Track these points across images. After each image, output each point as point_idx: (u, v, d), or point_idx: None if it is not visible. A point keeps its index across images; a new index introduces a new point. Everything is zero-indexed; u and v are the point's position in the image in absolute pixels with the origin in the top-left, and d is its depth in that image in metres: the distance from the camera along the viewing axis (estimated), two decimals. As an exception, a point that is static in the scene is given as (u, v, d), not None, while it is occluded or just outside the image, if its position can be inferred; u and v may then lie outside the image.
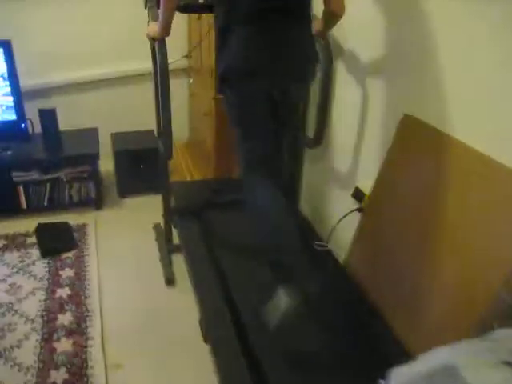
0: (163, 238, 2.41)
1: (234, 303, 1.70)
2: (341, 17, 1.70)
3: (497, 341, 0.90)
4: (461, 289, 1.40)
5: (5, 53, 2.47)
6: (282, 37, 1.53)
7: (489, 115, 1.37)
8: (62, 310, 2.03)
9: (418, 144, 1.68)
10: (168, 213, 2.28)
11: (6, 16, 2.72)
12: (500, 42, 1.30)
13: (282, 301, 1.43)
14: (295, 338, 1.52)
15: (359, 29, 1.93)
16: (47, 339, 1.88)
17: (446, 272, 1.47)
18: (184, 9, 1.94)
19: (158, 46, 1.71)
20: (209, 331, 1.63)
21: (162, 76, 1.70)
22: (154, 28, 1.76)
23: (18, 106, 2.60)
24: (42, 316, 1.99)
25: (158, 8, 1.71)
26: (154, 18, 1.81)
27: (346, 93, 2.10)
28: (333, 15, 1.72)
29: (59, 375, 1.72)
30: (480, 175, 1.40)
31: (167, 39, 1.77)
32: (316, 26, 1.80)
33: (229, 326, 1.59)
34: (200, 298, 1.75)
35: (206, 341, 1.70)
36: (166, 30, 1.72)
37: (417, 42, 1.62)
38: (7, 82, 2.54)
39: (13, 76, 2.52)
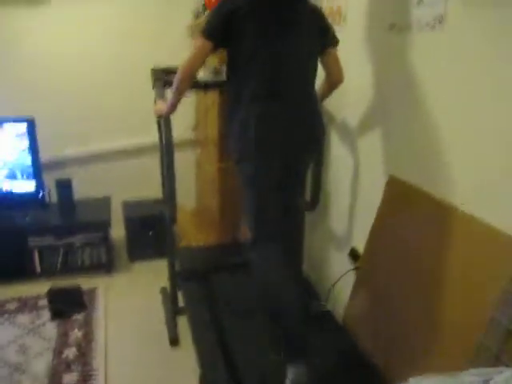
0: (169, 300, 2.50)
1: (233, 362, 1.76)
2: (341, 84, 1.93)
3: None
4: (454, 330, 1.47)
5: (28, 129, 2.70)
6: (293, 116, 1.69)
7: (468, 173, 1.49)
8: (68, 369, 2.09)
9: (402, 203, 1.80)
10: (173, 276, 2.38)
11: (29, 96, 3.01)
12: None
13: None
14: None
15: (349, 100, 2.13)
16: (53, 399, 1.94)
17: (439, 317, 1.54)
18: (193, 85, 2.15)
19: (164, 121, 1.89)
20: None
21: (166, 149, 1.88)
22: (162, 107, 1.92)
23: (37, 177, 2.80)
24: (49, 376, 2.06)
25: (168, 87, 1.90)
26: (160, 97, 2.01)
27: (338, 158, 2.27)
28: (334, 84, 1.94)
29: None
30: (462, 232, 1.51)
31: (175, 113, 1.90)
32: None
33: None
34: (200, 357, 1.82)
35: (205, 398, 1.75)
36: (174, 108, 1.84)
37: (400, 109, 1.79)
38: (29, 156, 2.76)
39: (34, 150, 2.74)
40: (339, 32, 1.92)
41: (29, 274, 2.80)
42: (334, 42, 1.86)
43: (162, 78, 2.12)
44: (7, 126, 2.72)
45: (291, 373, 1.57)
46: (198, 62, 1.70)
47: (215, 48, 1.67)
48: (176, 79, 1.73)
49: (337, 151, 2.28)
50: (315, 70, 1.81)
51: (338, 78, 1.92)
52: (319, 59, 1.84)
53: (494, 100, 1.34)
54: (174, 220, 2.03)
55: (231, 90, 1.76)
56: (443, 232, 1.57)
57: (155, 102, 2.09)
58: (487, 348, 1.32)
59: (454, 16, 1.47)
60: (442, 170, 1.59)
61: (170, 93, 1.85)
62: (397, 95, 1.80)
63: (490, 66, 1.35)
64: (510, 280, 1.29)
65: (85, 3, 3.05)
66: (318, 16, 1.82)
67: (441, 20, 1.52)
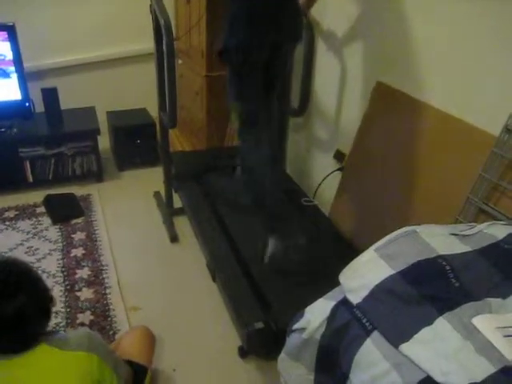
0: (164, 203, 2.66)
1: (237, 247, 1.99)
2: None
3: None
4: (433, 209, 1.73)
5: (9, 36, 2.64)
6: (277, 9, 1.75)
7: (446, 78, 1.67)
8: (79, 266, 2.27)
9: (388, 108, 1.98)
10: (169, 179, 2.53)
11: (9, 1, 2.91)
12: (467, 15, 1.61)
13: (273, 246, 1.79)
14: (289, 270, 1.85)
15: (335, 8, 2.22)
16: (70, 290, 2.12)
17: (420, 199, 1.79)
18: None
19: (164, 23, 1.93)
20: (217, 271, 1.91)
21: (168, 54, 1.94)
22: None
23: (23, 86, 2.78)
24: (62, 271, 2.23)
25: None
26: None
27: (326, 65, 2.38)
28: None
29: (86, 317, 1.97)
30: (442, 130, 1.71)
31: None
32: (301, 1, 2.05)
33: (234, 265, 1.88)
34: (207, 246, 2.03)
35: (214, 280, 1.98)
36: None
37: (383, 19, 1.91)
38: (12, 64, 2.72)
39: (17, 58, 2.70)
40: None
41: (22, 184, 2.87)
42: None
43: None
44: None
45: (270, 245, 1.81)
46: None
47: None
48: None
49: (324, 58, 2.39)
50: None
51: None
52: None
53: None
54: (174, 124, 2.14)
55: None
56: (424, 130, 1.78)
57: (150, 8, 2.11)
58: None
59: None
60: (423, 76, 1.77)
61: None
62: (382, 5, 1.91)
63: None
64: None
65: None
66: None
67: None
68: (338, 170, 2.34)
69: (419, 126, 1.82)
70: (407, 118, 1.87)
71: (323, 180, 2.40)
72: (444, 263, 1.05)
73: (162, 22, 1.93)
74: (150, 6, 2.11)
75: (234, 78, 1.81)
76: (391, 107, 1.97)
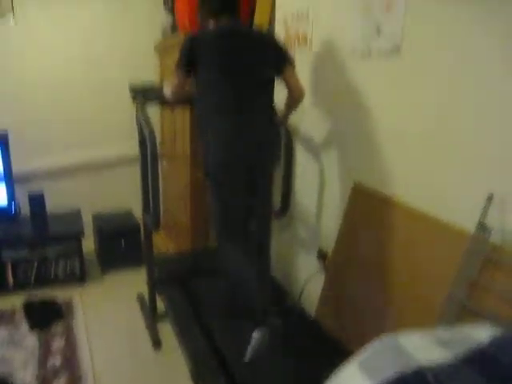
0: (147, 307, 2.60)
1: (222, 354, 1.92)
2: (301, 100, 2.13)
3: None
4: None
5: (1, 144, 2.74)
6: (251, 130, 1.96)
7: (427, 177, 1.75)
8: (56, 376, 2.16)
9: (367, 207, 2.04)
10: (153, 282, 2.50)
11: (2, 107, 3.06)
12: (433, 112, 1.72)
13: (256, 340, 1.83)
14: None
15: (312, 115, 2.36)
16: (44, 404, 2.00)
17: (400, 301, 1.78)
18: (166, 102, 2.32)
19: (149, 134, 2.03)
20: (200, 379, 1.83)
21: (152, 163, 2.02)
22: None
23: (10, 192, 2.83)
24: (38, 383, 2.12)
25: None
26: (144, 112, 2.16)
27: (305, 167, 2.48)
28: (294, 99, 2.14)
29: None
30: (417, 228, 1.76)
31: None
32: (279, 113, 2.20)
33: (218, 373, 1.80)
34: (189, 354, 1.96)
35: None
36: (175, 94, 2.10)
37: (358, 125, 2.04)
38: (1, 170, 2.79)
39: (6, 164, 2.78)
40: (304, 55, 2.15)
41: (1, 287, 2.82)
42: (286, 61, 2.07)
43: (142, 94, 2.26)
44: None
45: (253, 339, 1.84)
46: (174, 88, 2.07)
47: (187, 75, 2.01)
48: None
49: (303, 161, 2.50)
50: (271, 90, 2.05)
51: (297, 94, 2.12)
52: (279, 78, 2.07)
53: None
54: (157, 226, 2.16)
55: (198, 106, 2.04)
56: (400, 228, 1.83)
57: (136, 116, 2.23)
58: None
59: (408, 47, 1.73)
60: (397, 175, 1.86)
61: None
62: (356, 113, 2.04)
63: (436, 94, 1.62)
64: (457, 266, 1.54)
65: (52, 18, 3.16)
66: (270, 40, 2.09)
67: (398, 49, 1.77)
68: (322, 269, 2.34)
69: (395, 224, 1.86)
70: (384, 216, 1.92)
71: (307, 281, 2.40)
72: (428, 375, 1.02)
73: (146, 133, 2.03)
74: (136, 116, 2.23)
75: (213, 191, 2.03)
76: (369, 206, 2.03)
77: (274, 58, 2.04)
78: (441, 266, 1.64)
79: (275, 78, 2.06)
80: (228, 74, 1.94)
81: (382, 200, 1.93)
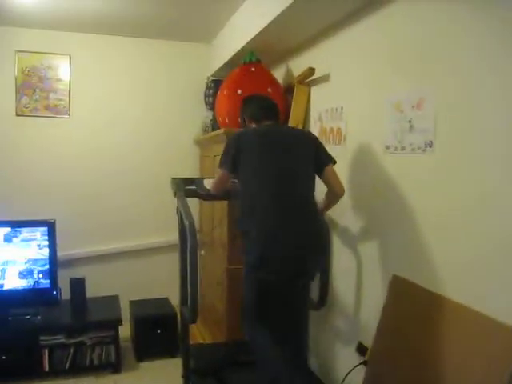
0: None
1: None
2: (341, 196, 2.18)
3: None
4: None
5: (49, 231, 2.88)
6: (297, 232, 1.99)
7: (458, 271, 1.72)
8: None
9: (407, 300, 1.99)
10: (188, 374, 2.46)
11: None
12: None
13: None
14: None
15: (350, 210, 2.39)
16: None
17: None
18: (207, 196, 2.42)
19: (189, 226, 2.09)
20: None
21: (191, 254, 2.06)
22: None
23: (53, 276, 2.92)
24: None
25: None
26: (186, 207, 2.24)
27: (343, 260, 2.47)
28: (334, 196, 2.20)
29: None
30: (459, 323, 1.70)
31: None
32: (320, 206, 2.24)
33: None
34: None
35: None
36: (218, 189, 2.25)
37: (395, 219, 2.05)
38: (47, 255, 2.91)
39: (52, 251, 2.90)
40: (339, 150, 2.23)
41: (36, 372, 2.81)
42: (328, 160, 2.15)
43: (183, 187, 2.37)
44: (29, 228, 2.90)
45: None
46: (220, 184, 2.22)
47: (232, 173, 2.10)
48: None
49: (341, 254, 2.50)
50: (312, 184, 2.12)
51: (337, 192, 2.18)
52: (319, 177, 2.14)
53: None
54: (194, 320, 2.16)
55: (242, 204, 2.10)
56: (442, 324, 1.76)
57: (177, 207, 2.31)
58: None
59: (441, 142, 1.78)
60: (438, 268, 1.83)
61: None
62: (393, 207, 2.07)
63: (473, 185, 1.64)
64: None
65: (104, 117, 3.42)
66: (311, 140, 2.18)
67: (431, 144, 1.82)
68: (362, 363, 2.25)
69: (438, 319, 1.80)
70: (426, 311, 1.87)
71: (347, 375, 2.30)
72: None
73: (186, 224, 2.09)
74: (177, 208, 2.32)
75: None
76: (409, 300, 1.98)
77: (315, 156, 2.12)
78: (489, 365, 1.56)
79: (315, 174, 2.13)
80: (271, 168, 2.02)
81: (422, 293, 1.89)
